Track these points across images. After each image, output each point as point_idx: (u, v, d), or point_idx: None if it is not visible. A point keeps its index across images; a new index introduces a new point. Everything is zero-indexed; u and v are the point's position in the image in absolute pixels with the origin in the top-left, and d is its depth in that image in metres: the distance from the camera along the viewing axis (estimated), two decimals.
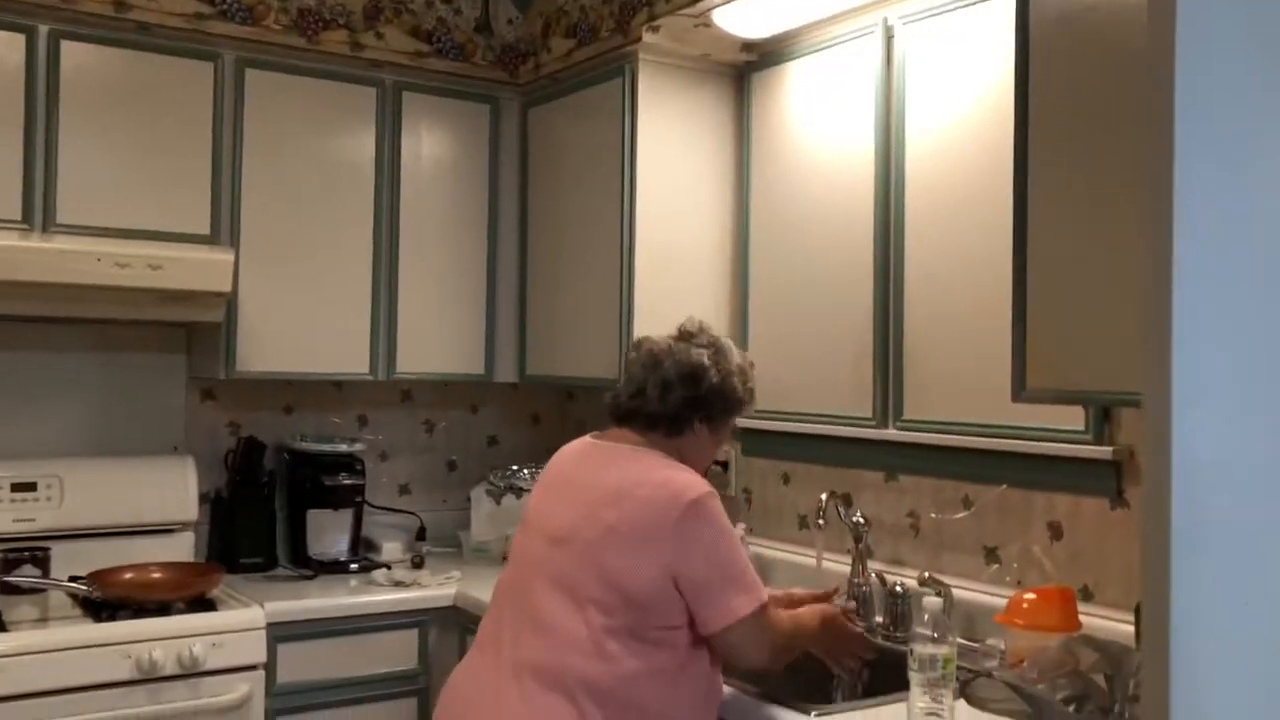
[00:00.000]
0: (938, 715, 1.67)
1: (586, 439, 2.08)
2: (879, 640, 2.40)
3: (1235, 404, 1.03)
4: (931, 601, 1.73)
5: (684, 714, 1.86)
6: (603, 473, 1.95)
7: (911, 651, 1.69)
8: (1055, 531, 2.21)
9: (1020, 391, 1.82)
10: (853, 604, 2.40)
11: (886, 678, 2.21)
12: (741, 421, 2.91)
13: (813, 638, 2.02)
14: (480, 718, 1.85)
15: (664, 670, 1.82)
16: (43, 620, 2.52)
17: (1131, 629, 1.86)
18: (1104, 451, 2.09)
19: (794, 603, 2.17)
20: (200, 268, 2.66)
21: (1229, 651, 1.02)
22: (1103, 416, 2.12)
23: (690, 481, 1.89)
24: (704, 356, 2.01)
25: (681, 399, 1.98)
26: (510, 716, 1.81)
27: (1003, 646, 2.07)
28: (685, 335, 2.07)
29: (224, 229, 2.86)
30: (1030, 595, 1.79)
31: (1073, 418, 2.15)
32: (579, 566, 1.85)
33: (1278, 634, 1.00)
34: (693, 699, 1.87)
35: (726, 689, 1.99)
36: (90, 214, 2.68)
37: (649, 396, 1.99)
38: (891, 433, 2.53)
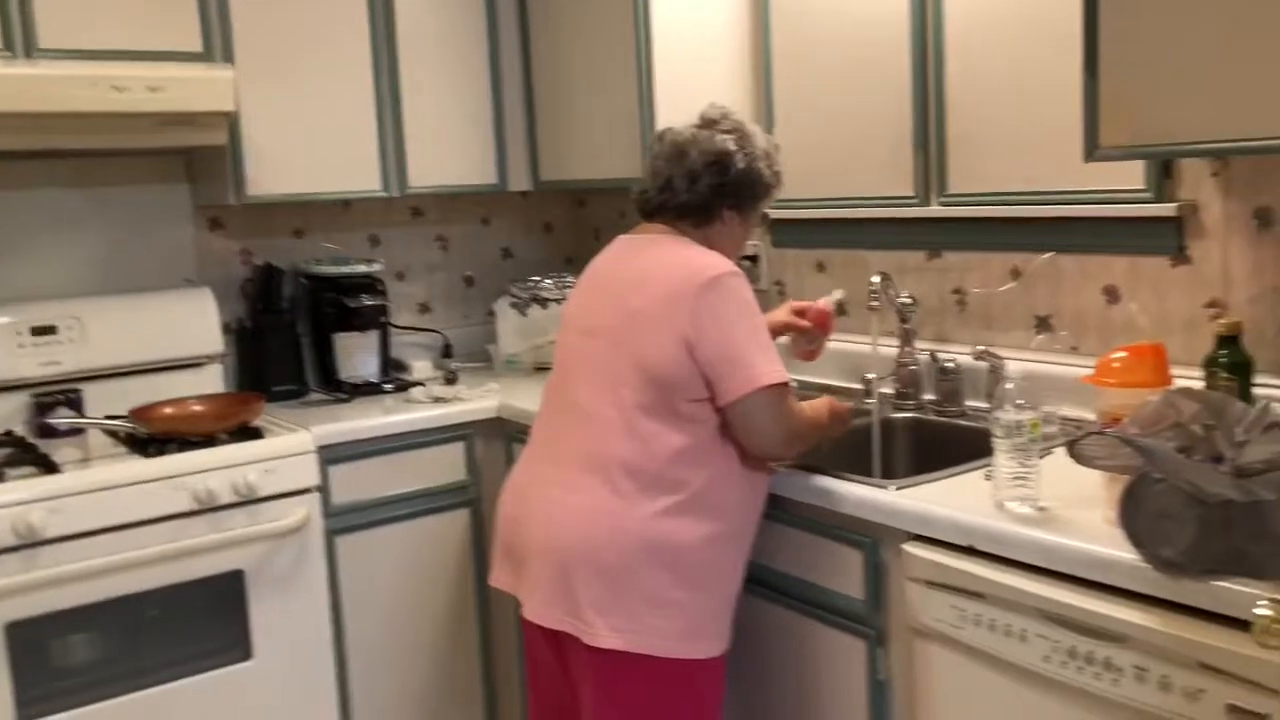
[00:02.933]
0: (1024, 480, 1.68)
1: (620, 237, 2.08)
2: (931, 417, 2.42)
3: None
4: (1013, 368, 1.71)
5: (720, 489, 1.86)
6: (628, 263, 1.99)
7: (997, 420, 1.69)
8: (1111, 295, 2.19)
9: (1093, 151, 1.76)
10: (840, 292, 2.33)
11: (940, 453, 2.22)
12: (770, 212, 2.86)
13: (826, 427, 2.02)
14: (530, 508, 1.94)
15: (699, 446, 1.84)
16: (86, 461, 2.49)
17: (1200, 385, 1.86)
18: (1167, 208, 2.05)
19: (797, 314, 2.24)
20: (201, 86, 2.51)
21: None
22: (1162, 173, 2.07)
23: (713, 261, 1.89)
24: (729, 143, 1.98)
25: (709, 187, 1.97)
26: (554, 502, 1.89)
27: (1062, 412, 2.08)
28: (708, 123, 2.03)
29: (216, 44, 2.68)
30: (1120, 353, 1.78)
31: (1129, 177, 2.10)
32: (609, 353, 1.90)
33: None
34: (729, 474, 1.87)
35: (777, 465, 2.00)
36: (73, 36, 2.49)
37: (676, 188, 1.98)
38: (935, 209, 2.47)
